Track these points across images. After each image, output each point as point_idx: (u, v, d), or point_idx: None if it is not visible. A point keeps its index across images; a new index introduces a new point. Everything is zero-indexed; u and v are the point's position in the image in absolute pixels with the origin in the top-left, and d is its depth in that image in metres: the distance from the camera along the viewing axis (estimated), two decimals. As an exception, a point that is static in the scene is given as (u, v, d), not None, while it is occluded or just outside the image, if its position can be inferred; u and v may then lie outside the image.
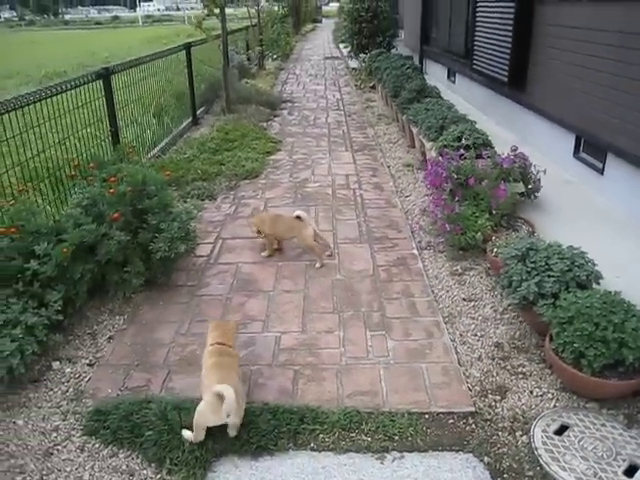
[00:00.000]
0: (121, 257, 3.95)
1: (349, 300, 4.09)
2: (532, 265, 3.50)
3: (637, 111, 4.69)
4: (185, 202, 5.79)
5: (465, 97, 9.62)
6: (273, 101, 11.18)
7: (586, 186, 5.61)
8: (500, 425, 2.95)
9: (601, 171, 5.41)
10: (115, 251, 3.85)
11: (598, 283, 3.49)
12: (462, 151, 5.17)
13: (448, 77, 11.06)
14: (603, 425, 2.95)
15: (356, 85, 13.94)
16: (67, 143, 5.12)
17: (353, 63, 16.50)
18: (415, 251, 4.83)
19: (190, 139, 8.48)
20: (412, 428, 2.88)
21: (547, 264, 3.47)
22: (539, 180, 5.16)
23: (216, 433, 2.73)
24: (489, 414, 3.02)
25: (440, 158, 5.24)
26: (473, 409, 3.03)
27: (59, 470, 2.68)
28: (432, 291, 4.19)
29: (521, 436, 2.88)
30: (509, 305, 3.96)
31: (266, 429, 2.80)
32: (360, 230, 5.27)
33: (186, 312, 3.99)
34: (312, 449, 2.78)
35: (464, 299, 4.10)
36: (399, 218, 5.50)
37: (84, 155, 5.22)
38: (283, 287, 4.32)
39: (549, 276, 3.41)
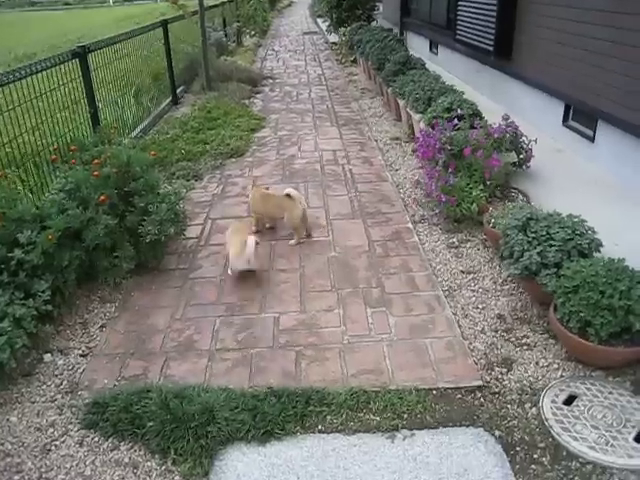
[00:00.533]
0: (109, 242, 3.81)
1: (347, 277, 4.00)
2: (533, 235, 3.43)
3: (626, 77, 4.62)
4: (171, 183, 5.62)
5: (448, 69, 9.47)
6: (254, 78, 10.94)
7: (577, 154, 5.55)
8: (508, 398, 2.90)
9: (592, 139, 5.35)
10: (103, 236, 3.71)
11: (599, 251, 3.44)
12: (456, 121, 5.06)
13: (430, 49, 10.89)
14: (610, 393, 2.92)
15: (337, 60, 13.71)
16: (43, 127, 4.90)
17: (332, 37, 16.21)
18: (410, 225, 4.75)
19: (171, 119, 8.25)
20: (421, 405, 2.83)
21: (548, 233, 3.40)
22: (530, 149, 5.09)
23: (221, 422, 2.64)
24: (496, 387, 2.97)
25: (431, 130, 5.14)
26: (480, 383, 2.98)
27: (58, 467, 2.57)
28: (430, 265, 4.12)
29: (530, 408, 2.84)
30: (509, 276, 3.91)
31: (272, 413, 2.72)
32: (352, 205, 5.17)
33: (180, 296, 3.87)
34: (320, 431, 2.71)
35: (462, 272, 4.04)
36: (391, 192, 5.41)
37: (62, 139, 5.02)
38: (278, 266, 4.22)
39: (551, 245, 3.35)
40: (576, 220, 3.48)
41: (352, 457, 2.56)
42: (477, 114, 5.63)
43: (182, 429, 2.60)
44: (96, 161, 4.15)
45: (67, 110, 5.45)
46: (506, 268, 3.55)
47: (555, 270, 3.25)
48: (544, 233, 3.41)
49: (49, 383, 3.10)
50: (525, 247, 3.40)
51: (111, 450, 2.63)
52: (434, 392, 2.93)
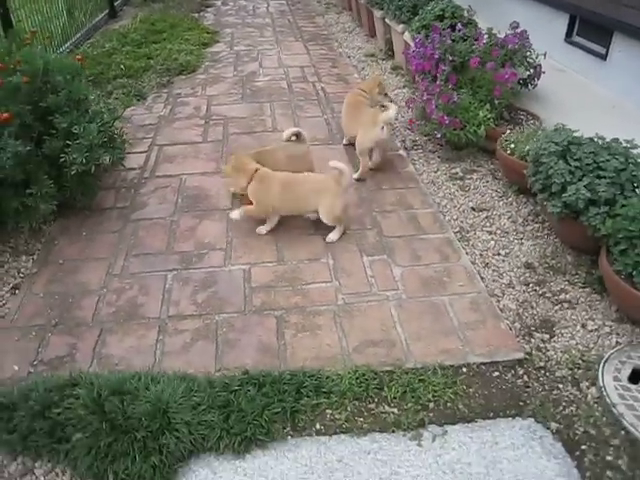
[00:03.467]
0: (20, 175, 2.86)
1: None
2: (577, 164, 2.69)
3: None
4: (106, 103, 4.57)
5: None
6: (203, -11, 9.58)
7: (584, 75, 4.79)
8: (558, 375, 2.24)
9: (603, 56, 4.58)
10: (10, 167, 2.75)
11: (650, 185, 2.74)
12: (460, 27, 4.18)
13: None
14: (681, 364, 2.30)
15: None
16: None
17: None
18: (402, 152, 3.95)
19: (109, 31, 7.00)
20: (450, 390, 2.12)
21: (595, 162, 2.67)
22: (540, 65, 4.29)
23: (180, 428, 1.86)
24: (541, 360, 2.30)
25: (425, 39, 4.25)
26: (521, 355, 2.30)
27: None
28: (434, 200, 3.36)
29: (588, 388, 2.18)
30: (529, 214, 3.21)
31: (252, 411, 1.95)
32: (330, 128, 4.32)
33: (119, 244, 3.00)
34: (319, 433, 1.98)
35: (473, 209, 3.30)
36: (374, 114, 4.56)
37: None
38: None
39: (599, 177, 2.62)
40: (628, 145, 2.75)
41: (367, 470, 1.84)
42: (472, 23, 4.77)
43: (124, 442, 1.80)
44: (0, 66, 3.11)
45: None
46: (540, 204, 2.84)
47: (607, 208, 2.55)
48: (590, 161, 2.67)
49: None
50: (567, 178, 2.66)
51: (21, 476, 1.82)
52: (464, 370, 2.23)
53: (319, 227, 3.10)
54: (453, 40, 4.19)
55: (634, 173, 2.64)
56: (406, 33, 5.17)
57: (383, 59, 6.06)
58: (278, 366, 2.21)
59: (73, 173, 2.98)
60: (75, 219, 3.18)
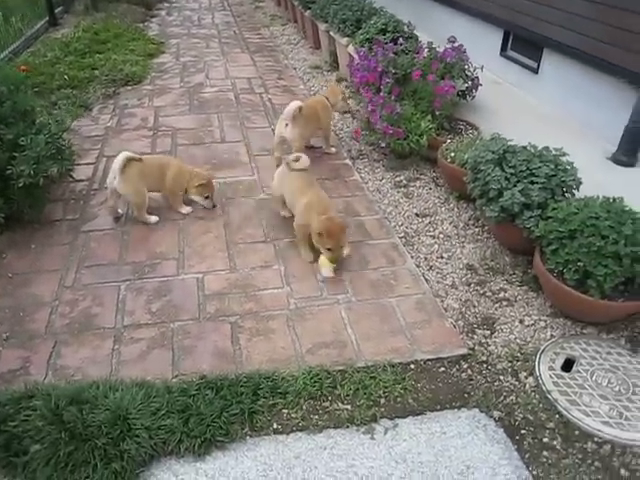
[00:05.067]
0: (-36, 187, 2.81)
1: (283, 224, 3.28)
2: (511, 170, 2.88)
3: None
4: (51, 114, 4.51)
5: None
6: (147, 0, 9.52)
7: (518, 87, 5.08)
8: (499, 367, 2.39)
9: (535, 70, 4.88)
10: (-47, 179, 2.71)
11: (578, 190, 2.96)
12: (401, 41, 4.36)
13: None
14: (609, 353, 2.50)
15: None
16: None
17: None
18: (348, 161, 4.08)
19: (50, 40, 6.87)
20: (399, 385, 2.24)
21: (528, 169, 2.87)
22: (477, 78, 4.53)
23: (141, 433, 1.89)
24: (483, 354, 2.45)
25: (368, 52, 4.42)
26: (465, 351, 2.44)
27: None
28: (379, 207, 3.50)
29: (526, 378, 2.35)
30: (470, 219, 3.39)
31: (210, 413, 2.01)
32: (278, 140, 4.40)
33: (70, 255, 2.98)
34: (277, 432, 2.05)
35: (417, 215, 3.46)
36: (320, 125, 4.68)
37: None
38: (195, 213, 3.41)
39: (532, 182, 2.82)
40: (557, 153, 2.97)
41: (324, 465, 1.93)
42: (413, 37, 4.99)
43: (85, 450, 1.82)
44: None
45: None
46: (479, 209, 3.01)
47: (540, 212, 2.74)
48: (524, 168, 2.87)
49: None
50: (503, 184, 2.85)
51: (-23, 490, 1.82)
52: (412, 366, 2.35)
53: (269, 235, 3.18)
54: (395, 53, 4.37)
55: (563, 179, 2.85)
56: (350, 46, 5.33)
57: (328, 70, 6.21)
58: (234, 370, 2.27)
59: (20, 185, 2.95)
60: (23, 232, 3.14)
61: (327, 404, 2.16)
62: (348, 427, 2.08)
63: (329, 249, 2.81)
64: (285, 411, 2.13)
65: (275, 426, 2.07)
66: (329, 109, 4.03)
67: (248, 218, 3.38)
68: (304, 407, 2.14)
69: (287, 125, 3.72)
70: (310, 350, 2.40)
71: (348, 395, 2.19)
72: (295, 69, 6.31)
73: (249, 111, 5.00)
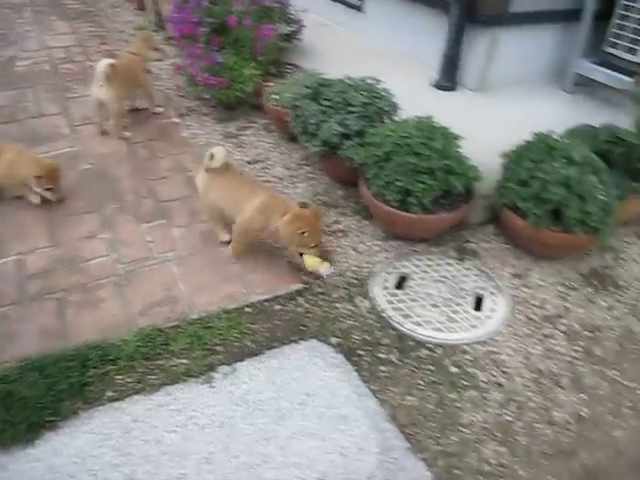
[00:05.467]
0: None
1: (108, 191, 3.04)
2: (328, 103, 2.87)
3: None
4: None
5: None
6: None
7: (344, 27, 5.12)
8: (335, 296, 2.41)
9: (359, 8, 4.93)
10: None
11: (396, 114, 3.03)
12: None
13: None
14: (439, 265, 2.63)
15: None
16: None
17: None
18: (176, 119, 3.87)
19: None
20: (235, 330, 2.18)
21: (344, 99, 2.88)
22: (301, 20, 4.49)
23: None
24: (319, 286, 2.46)
25: (183, 3, 4.17)
26: (300, 286, 2.43)
27: None
28: (210, 161, 3.37)
29: (362, 301, 2.39)
30: (301, 159, 3.37)
31: (36, 395, 1.82)
32: (103, 105, 4.07)
33: None
34: (112, 399, 1.91)
35: (249, 162, 3.37)
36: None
37: None
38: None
39: (349, 112, 2.83)
40: (371, 82, 3.00)
41: (164, 422, 1.84)
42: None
43: None
44: None
45: None
46: (304, 145, 2.98)
47: (359, 140, 2.77)
48: (340, 99, 2.87)
49: None
50: (321, 118, 2.84)
51: None
52: (249, 310, 2.30)
53: (94, 204, 2.94)
54: (211, 2, 4.17)
55: (379, 105, 2.90)
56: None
57: (155, 31, 5.83)
58: (62, 345, 2.07)
59: None
60: None
61: (162, 362, 2.05)
62: (186, 380, 1.99)
63: (314, 246, 2.42)
64: (119, 377, 1.99)
65: (110, 394, 1.93)
66: (141, 63, 3.77)
67: (71, 189, 3.09)
68: (139, 370, 2.02)
69: (102, 86, 3.44)
70: (141, 312, 2.26)
71: (184, 349, 2.10)
72: (120, 32, 5.87)
73: (69, 81, 4.56)
